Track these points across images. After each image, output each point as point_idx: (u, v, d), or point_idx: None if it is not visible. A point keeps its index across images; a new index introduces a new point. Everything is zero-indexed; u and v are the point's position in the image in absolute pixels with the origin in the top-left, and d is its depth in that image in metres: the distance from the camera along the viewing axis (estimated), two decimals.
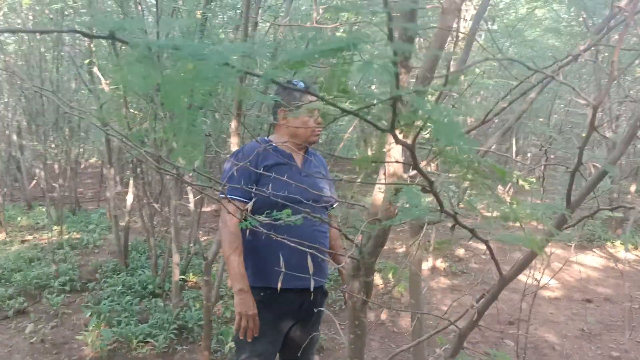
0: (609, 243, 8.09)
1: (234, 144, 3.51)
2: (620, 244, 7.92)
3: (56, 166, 7.30)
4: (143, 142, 4.74)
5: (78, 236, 7.05)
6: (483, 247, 7.41)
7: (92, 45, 5.12)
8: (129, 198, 5.80)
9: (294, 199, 2.26)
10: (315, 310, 2.60)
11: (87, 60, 5.10)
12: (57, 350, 3.98)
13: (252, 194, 2.33)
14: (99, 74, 5.13)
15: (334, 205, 2.65)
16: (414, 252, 2.33)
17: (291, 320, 2.54)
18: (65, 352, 3.94)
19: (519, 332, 3.05)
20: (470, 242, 7.92)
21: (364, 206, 1.75)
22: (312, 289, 2.44)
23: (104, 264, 5.79)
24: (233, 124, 3.37)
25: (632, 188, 8.58)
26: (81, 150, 11.39)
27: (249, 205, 2.34)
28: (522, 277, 6.22)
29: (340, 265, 2.32)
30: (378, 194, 1.69)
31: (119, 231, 5.69)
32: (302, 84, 2.47)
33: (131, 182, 5.65)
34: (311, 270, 2.39)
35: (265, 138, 2.62)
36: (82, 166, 11.98)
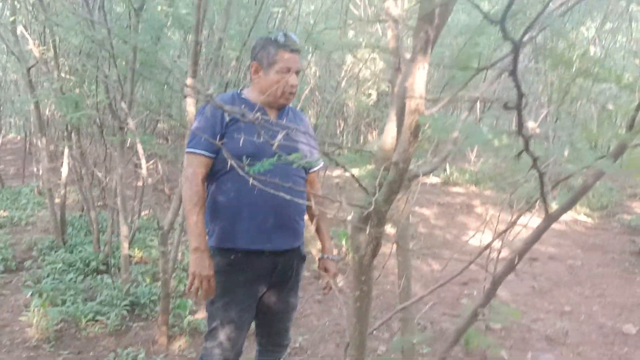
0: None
1: (189, 104, 3.26)
2: (556, 205, 8.20)
3: None
4: (77, 107, 4.39)
5: (5, 214, 6.53)
6: (429, 212, 7.46)
7: (15, 1, 4.64)
8: (64, 170, 5.39)
9: (262, 152, 2.08)
10: (292, 275, 2.46)
11: (12, 18, 4.62)
12: None
13: (217, 148, 2.19)
14: (26, 34, 4.67)
15: (317, 168, 2.49)
16: (403, 207, 2.21)
17: (264, 284, 2.37)
18: (7, 335, 3.60)
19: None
20: (415, 208, 7.98)
21: (370, 152, 1.59)
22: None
23: (39, 241, 5.37)
24: (189, 81, 3.12)
25: None
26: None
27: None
28: (472, 241, 6.28)
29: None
30: (389, 137, 1.54)
31: (54, 206, 5.27)
32: (282, 38, 2.26)
33: (66, 152, 5.23)
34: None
35: (237, 91, 2.41)
36: (0, 142, 11.14)
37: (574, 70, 0.78)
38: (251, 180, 1.34)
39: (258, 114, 1.01)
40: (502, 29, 0.71)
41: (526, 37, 0.76)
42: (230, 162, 1.28)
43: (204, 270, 2.16)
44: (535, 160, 1.03)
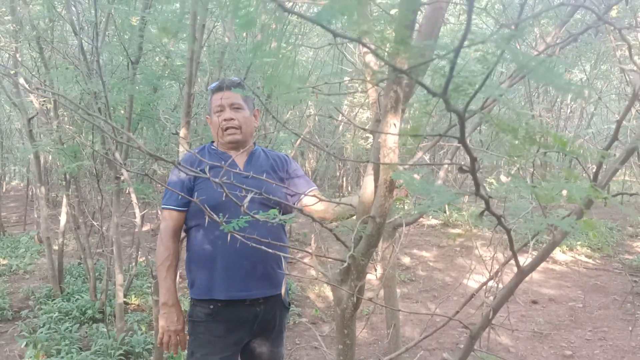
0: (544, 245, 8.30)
1: (182, 153, 3.31)
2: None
3: None
4: (76, 157, 4.46)
5: (5, 262, 6.54)
6: (428, 254, 7.43)
7: (17, 54, 4.76)
8: (62, 218, 5.42)
9: (229, 202, 2.10)
10: (276, 324, 2.43)
11: (12, 71, 4.74)
12: None
13: (188, 201, 2.25)
14: (26, 86, 4.78)
15: (310, 190, 2.43)
16: (389, 257, 2.22)
17: (246, 334, 2.35)
18: None
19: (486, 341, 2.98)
20: (414, 251, 7.95)
21: (350, 205, 1.62)
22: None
23: (37, 290, 5.37)
24: (182, 131, 3.17)
25: None
26: (3, 171, 10.73)
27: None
28: (471, 284, 6.23)
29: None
30: (368, 190, 1.57)
31: (52, 254, 5.29)
32: (215, 84, 2.37)
33: (64, 200, 5.27)
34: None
35: (210, 143, 2.47)
36: (4, 189, 11.23)
37: (520, 137, 0.81)
38: (229, 237, 1.36)
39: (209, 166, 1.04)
40: (444, 101, 0.75)
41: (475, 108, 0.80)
42: (207, 214, 1.31)
43: (172, 324, 2.20)
44: (498, 218, 1.05)
